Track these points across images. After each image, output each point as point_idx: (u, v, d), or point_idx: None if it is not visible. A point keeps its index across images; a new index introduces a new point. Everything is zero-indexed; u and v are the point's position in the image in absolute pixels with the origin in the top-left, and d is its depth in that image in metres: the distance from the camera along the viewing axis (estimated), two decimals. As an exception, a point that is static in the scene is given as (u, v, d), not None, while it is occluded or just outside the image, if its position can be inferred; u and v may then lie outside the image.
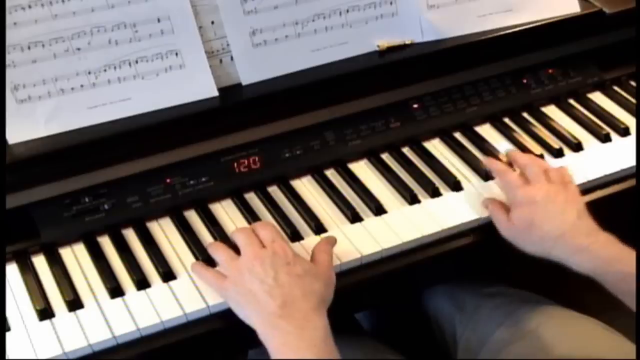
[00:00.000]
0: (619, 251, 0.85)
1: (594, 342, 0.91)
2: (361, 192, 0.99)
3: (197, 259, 0.90)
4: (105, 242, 0.93)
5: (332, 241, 0.89)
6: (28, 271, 0.89)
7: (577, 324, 0.95)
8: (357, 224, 0.95)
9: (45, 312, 0.84)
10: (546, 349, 0.92)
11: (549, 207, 0.89)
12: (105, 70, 0.94)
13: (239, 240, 0.84)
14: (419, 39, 1.08)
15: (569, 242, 0.87)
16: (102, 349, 0.82)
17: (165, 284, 0.88)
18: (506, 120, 1.12)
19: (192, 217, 0.97)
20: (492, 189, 1.00)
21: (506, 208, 0.93)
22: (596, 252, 0.85)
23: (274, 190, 1.00)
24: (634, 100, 1.16)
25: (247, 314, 0.80)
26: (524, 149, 1.06)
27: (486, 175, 1.02)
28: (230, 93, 1.00)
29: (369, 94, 1.06)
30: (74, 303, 0.85)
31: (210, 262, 0.89)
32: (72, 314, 0.84)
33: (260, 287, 0.78)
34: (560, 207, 0.89)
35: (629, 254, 0.84)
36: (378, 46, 1.06)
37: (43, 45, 0.91)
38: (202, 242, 0.92)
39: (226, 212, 0.97)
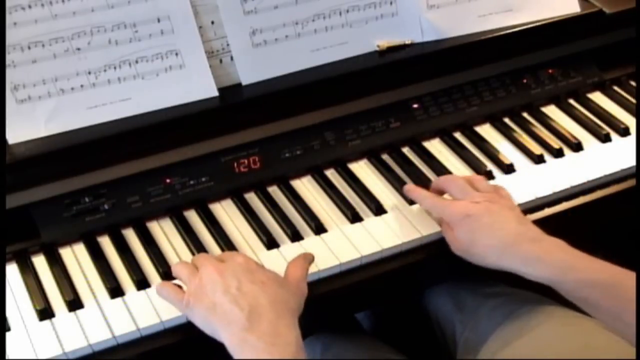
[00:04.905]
0: (572, 258, 0.82)
1: (594, 342, 0.91)
2: (361, 192, 0.99)
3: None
4: (105, 242, 0.93)
5: (309, 257, 0.86)
6: (28, 271, 0.89)
7: (577, 323, 0.95)
8: (357, 224, 0.95)
9: (45, 312, 0.84)
10: (546, 348, 0.91)
11: (484, 220, 0.85)
12: (105, 70, 0.95)
13: (197, 260, 0.82)
14: (419, 39, 1.08)
15: (515, 252, 0.84)
16: (102, 349, 0.82)
17: (165, 284, 0.88)
18: (506, 120, 1.12)
19: (192, 217, 0.97)
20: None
21: None
22: (549, 261, 0.82)
23: (274, 190, 1.00)
24: (634, 100, 1.16)
25: (214, 329, 0.76)
26: (524, 149, 1.07)
27: (488, 176, 1.02)
28: (230, 93, 1.00)
29: (369, 94, 1.06)
30: (74, 303, 0.85)
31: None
32: (72, 314, 0.84)
33: (224, 298, 0.75)
34: (497, 217, 0.86)
35: (583, 260, 0.82)
36: (378, 46, 1.06)
37: (43, 45, 0.91)
38: (202, 242, 0.92)
39: (226, 212, 0.97)
